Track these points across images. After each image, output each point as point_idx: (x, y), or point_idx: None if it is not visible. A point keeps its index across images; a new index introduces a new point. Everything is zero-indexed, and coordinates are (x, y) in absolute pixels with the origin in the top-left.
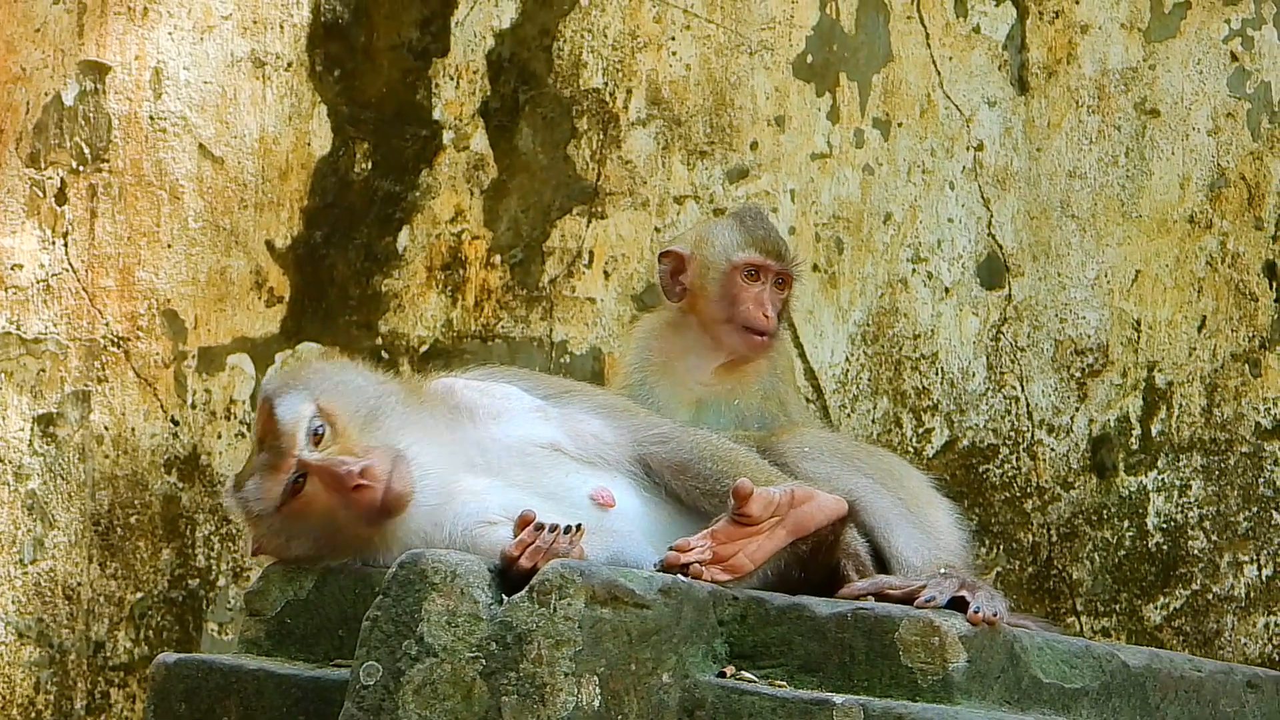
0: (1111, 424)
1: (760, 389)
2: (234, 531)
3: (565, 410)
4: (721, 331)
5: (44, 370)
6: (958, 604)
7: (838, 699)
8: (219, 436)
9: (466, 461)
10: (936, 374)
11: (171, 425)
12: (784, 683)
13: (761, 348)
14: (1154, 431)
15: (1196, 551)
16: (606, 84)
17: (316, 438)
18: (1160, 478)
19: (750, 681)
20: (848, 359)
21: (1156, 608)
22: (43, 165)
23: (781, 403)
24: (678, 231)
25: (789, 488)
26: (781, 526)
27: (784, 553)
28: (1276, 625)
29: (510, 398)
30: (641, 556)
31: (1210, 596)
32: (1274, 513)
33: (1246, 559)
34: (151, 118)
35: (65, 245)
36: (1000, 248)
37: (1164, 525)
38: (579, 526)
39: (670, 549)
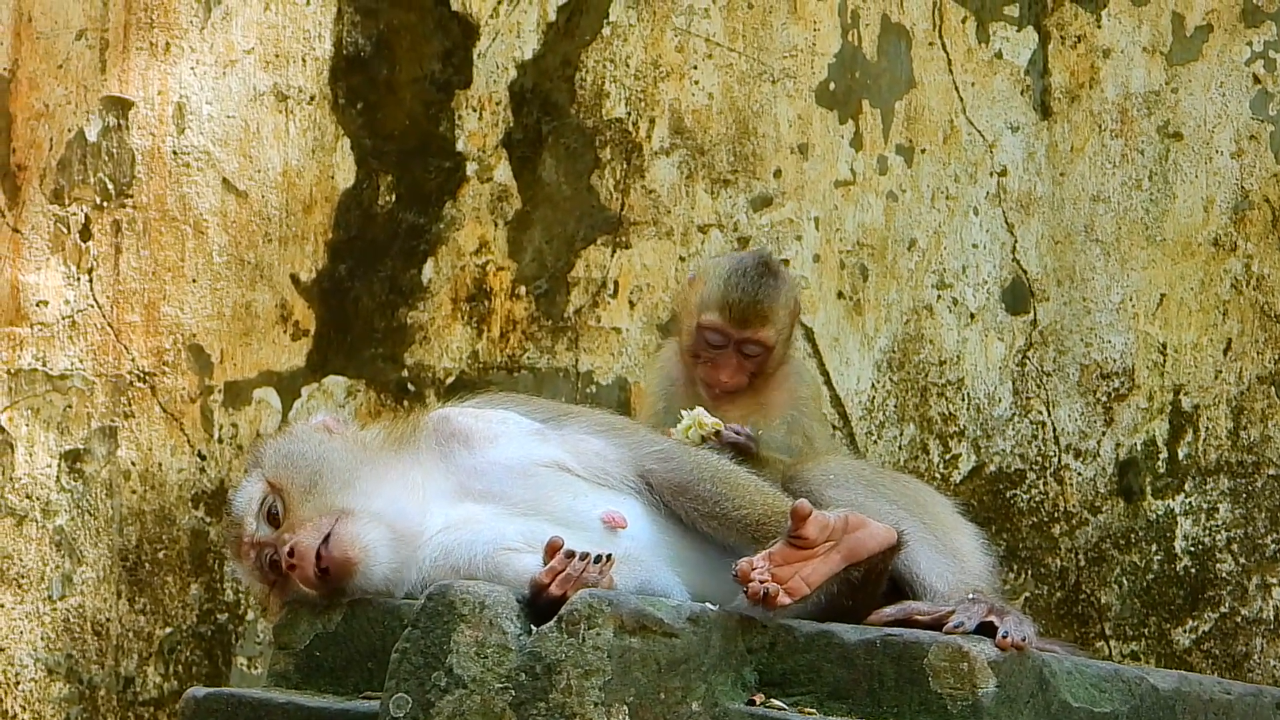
0: (1138, 448)
1: (784, 422)
2: None
3: (564, 432)
4: (695, 376)
5: (70, 406)
6: (986, 629)
7: None
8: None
9: (460, 489)
10: (962, 400)
11: (198, 460)
12: (813, 710)
13: (722, 401)
14: (1181, 455)
15: (1225, 574)
16: (629, 114)
17: (272, 516)
18: (1188, 501)
19: (779, 709)
20: (874, 386)
21: (1185, 631)
22: (67, 201)
23: (807, 437)
24: (702, 260)
25: (843, 513)
26: (836, 551)
27: (837, 578)
28: None
29: (507, 421)
30: (668, 585)
31: (1239, 619)
32: None
33: (1275, 581)
34: (175, 152)
35: (90, 281)
36: (1025, 273)
37: (1192, 548)
38: (609, 556)
39: (737, 565)
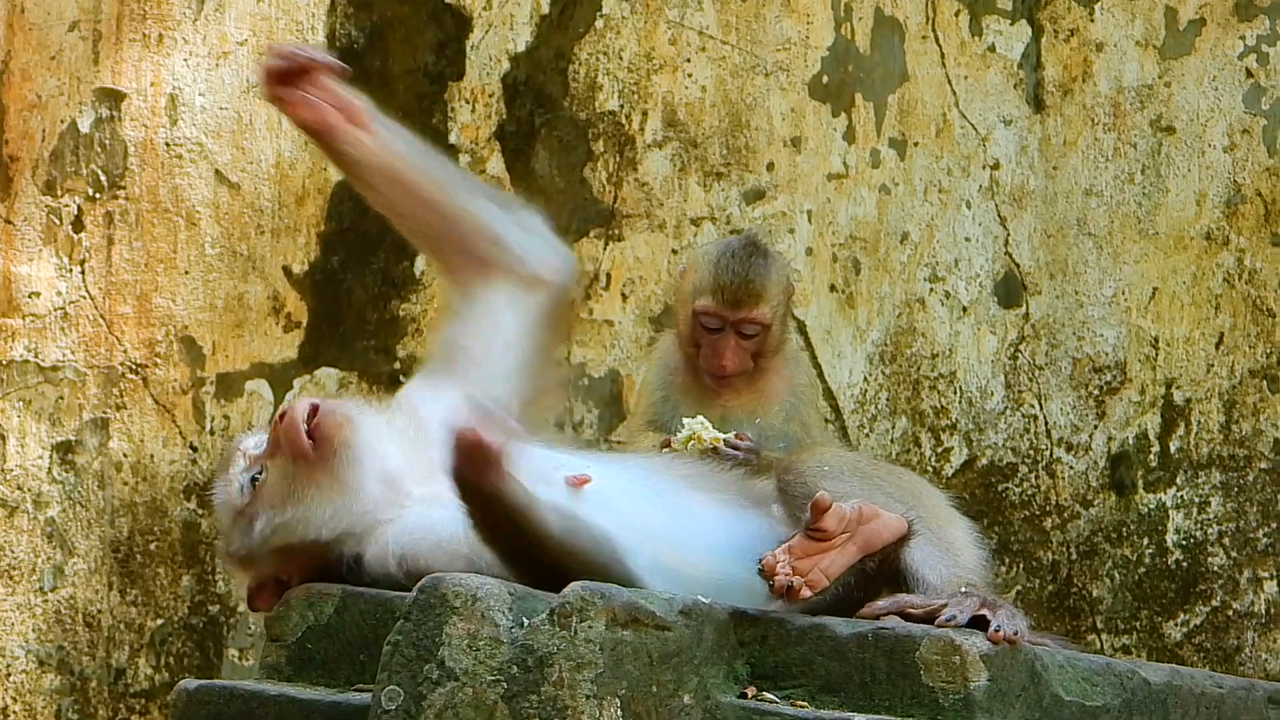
0: (1130, 441)
1: (782, 410)
2: None
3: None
4: (696, 364)
5: (62, 398)
6: (978, 623)
7: (859, 718)
8: None
9: (429, 463)
10: (955, 393)
11: (190, 452)
12: (805, 703)
13: (725, 387)
14: (1173, 448)
15: (1216, 568)
16: (622, 106)
17: (259, 452)
18: (1179, 495)
19: (772, 702)
20: (866, 379)
21: (1177, 625)
22: (59, 193)
23: (804, 424)
24: (692, 250)
25: (856, 504)
26: (852, 542)
27: (853, 570)
28: None
29: (438, 387)
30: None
31: (1230, 613)
32: None
33: (1266, 575)
34: (167, 144)
35: (82, 273)
36: (1017, 266)
37: (1183, 542)
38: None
39: (761, 560)
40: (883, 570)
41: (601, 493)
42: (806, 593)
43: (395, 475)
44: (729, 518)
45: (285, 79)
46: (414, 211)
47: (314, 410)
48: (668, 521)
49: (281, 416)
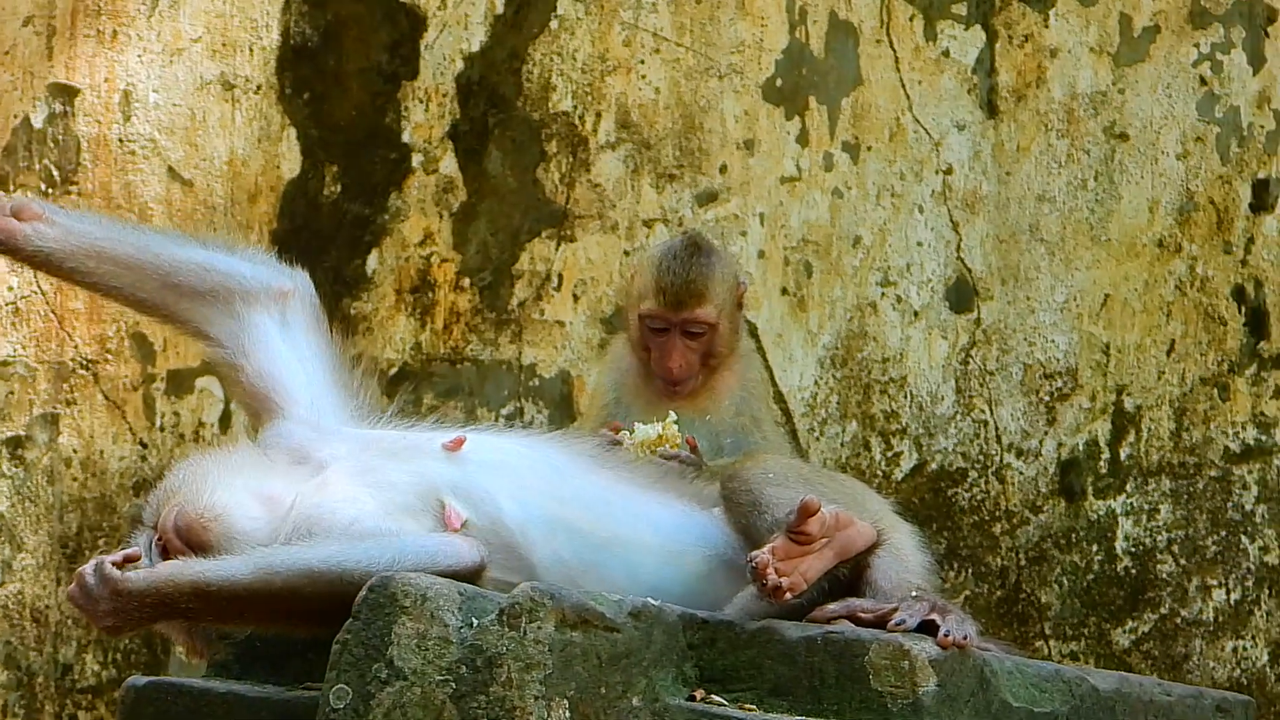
0: (1080, 448)
1: (733, 405)
2: None
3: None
4: (649, 368)
5: (12, 393)
6: (928, 627)
7: None
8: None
9: (303, 459)
10: (905, 398)
11: (140, 448)
12: (754, 706)
13: (678, 394)
14: (1123, 455)
15: (1165, 575)
16: (576, 107)
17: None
18: (1129, 502)
19: (720, 705)
20: (816, 383)
21: (1125, 632)
22: (12, 188)
23: (755, 419)
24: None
25: (834, 510)
26: (829, 548)
27: (828, 575)
28: (1244, 650)
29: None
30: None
31: (1179, 621)
32: (1242, 537)
33: (1215, 583)
34: (121, 140)
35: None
36: (969, 271)
37: (1132, 549)
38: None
39: (755, 559)
40: (852, 577)
41: (488, 456)
42: (789, 596)
43: (270, 498)
44: (646, 495)
45: None
46: (131, 282)
47: (182, 528)
48: (573, 486)
49: (163, 548)
